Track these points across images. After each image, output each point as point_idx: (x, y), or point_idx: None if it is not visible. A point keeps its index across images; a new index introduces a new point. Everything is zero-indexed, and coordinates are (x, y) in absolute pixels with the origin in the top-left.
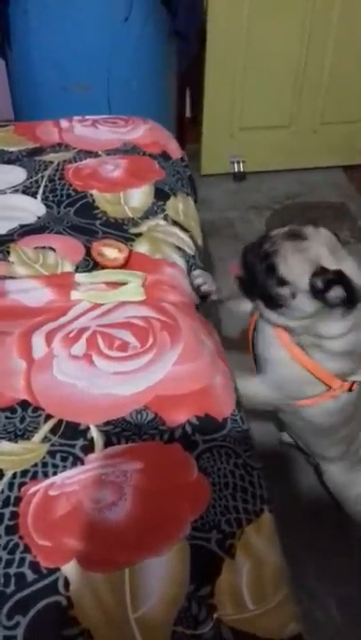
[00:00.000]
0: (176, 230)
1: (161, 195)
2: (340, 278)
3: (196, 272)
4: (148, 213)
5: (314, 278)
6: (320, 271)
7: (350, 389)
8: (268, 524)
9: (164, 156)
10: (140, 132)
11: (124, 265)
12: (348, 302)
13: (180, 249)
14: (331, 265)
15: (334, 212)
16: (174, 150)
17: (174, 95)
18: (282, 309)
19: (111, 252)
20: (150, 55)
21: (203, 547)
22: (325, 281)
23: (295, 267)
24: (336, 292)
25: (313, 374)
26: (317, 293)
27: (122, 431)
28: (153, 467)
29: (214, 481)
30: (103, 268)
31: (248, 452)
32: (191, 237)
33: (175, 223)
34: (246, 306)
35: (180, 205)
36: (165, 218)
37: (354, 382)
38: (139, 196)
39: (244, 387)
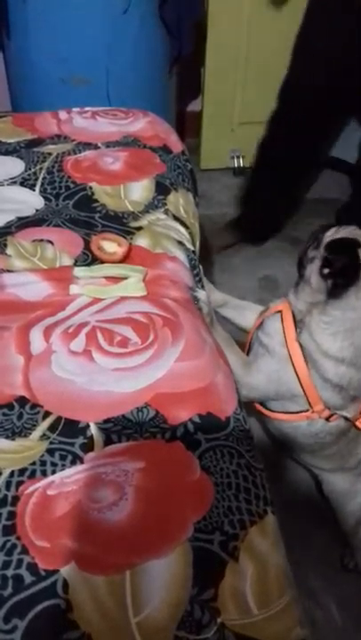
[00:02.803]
0: (177, 225)
1: (162, 189)
2: (352, 244)
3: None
4: (149, 207)
5: (332, 241)
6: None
7: (328, 419)
8: (272, 525)
9: (165, 150)
10: (140, 124)
11: (123, 259)
12: (349, 273)
13: (180, 244)
14: None
15: (333, 208)
16: (175, 144)
17: (174, 89)
18: (299, 285)
19: (110, 245)
20: (150, 48)
21: (206, 549)
22: (336, 243)
23: (328, 236)
24: (342, 260)
25: (302, 385)
26: (324, 261)
27: (122, 429)
28: (154, 466)
29: (217, 481)
30: (102, 262)
31: (250, 452)
32: (190, 234)
33: (176, 218)
34: (243, 317)
35: (180, 201)
36: (166, 212)
37: (334, 414)
38: (139, 190)
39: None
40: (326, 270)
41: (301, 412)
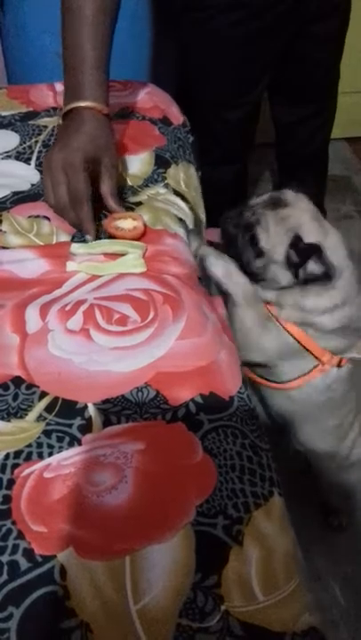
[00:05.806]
0: (177, 200)
1: (161, 162)
2: (315, 252)
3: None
4: (148, 181)
5: (290, 250)
6: (296, 241)
7: (339, 364)
8: (279, 508)
9: (165, 122)
10: (139, 95)
11: (145, 232)
12: (324, 278)
13: (181, 220)
14: (312, 234)
15: (338, 186)
16: (176, 115)
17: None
18: (258, 281)
19: (127, 223)
20: (148, 21)
21: (209, 533)
22: (301, 253)
23: (275, 237)
24: (311, 267)
25: (303, 345)
26: (292, 266)
27: (122, 410)
28: (155, 447)
29: (220, 463)
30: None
31: (255, 432)
32: (192, 209)
33: (176, 192)
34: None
35: (181, 174)
36: (166, 186)
37: (342, 358)
38: (138, 163)
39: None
40: (311, 273)
41: (314, 368)
